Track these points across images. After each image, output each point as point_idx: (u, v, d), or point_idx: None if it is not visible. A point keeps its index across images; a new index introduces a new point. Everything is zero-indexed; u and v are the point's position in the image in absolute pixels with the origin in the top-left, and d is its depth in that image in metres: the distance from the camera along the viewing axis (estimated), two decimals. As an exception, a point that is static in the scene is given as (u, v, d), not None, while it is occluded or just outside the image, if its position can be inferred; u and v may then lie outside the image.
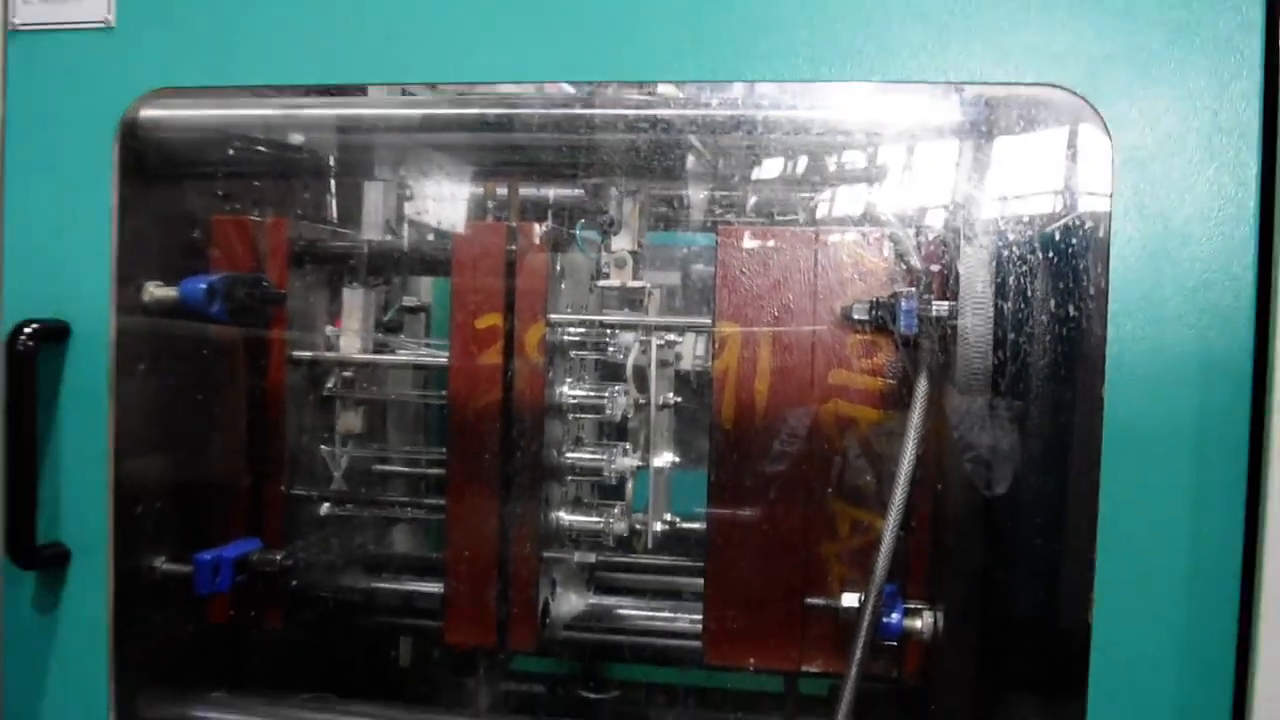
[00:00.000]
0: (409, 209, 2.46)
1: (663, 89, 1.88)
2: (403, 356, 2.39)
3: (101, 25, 1.65)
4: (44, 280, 1.68)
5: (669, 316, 2.28)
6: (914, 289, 1.80)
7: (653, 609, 2.36)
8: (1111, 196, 1.39)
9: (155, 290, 1.90)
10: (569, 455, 2.23)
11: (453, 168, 2.35)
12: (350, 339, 2.28)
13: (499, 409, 2.09)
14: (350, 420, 2.33)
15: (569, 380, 2.22)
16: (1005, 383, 1.71)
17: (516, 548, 2.11)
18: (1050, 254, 1.67)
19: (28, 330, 1.62)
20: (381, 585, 2.37)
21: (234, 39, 1.63)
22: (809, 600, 1.90)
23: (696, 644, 2.01)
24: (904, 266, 1.86)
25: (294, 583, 2.17)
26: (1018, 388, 1.71)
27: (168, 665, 1.99)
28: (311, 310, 2.26)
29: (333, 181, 2.37)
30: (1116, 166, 1.39)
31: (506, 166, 2.31)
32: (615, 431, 2.30)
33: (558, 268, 2.15)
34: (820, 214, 2.27)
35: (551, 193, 2.43)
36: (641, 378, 2.18)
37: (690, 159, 1.98)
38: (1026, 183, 1.77)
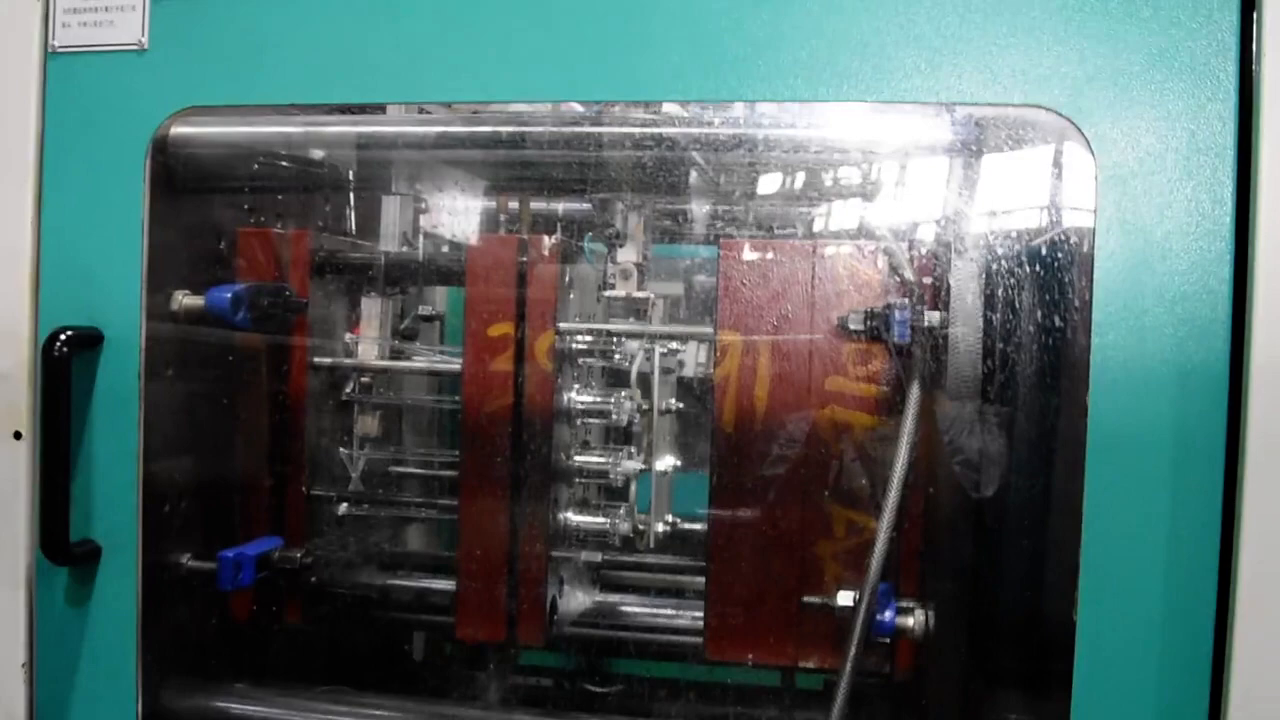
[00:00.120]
0: (425, 222, 2.41)
1: (668, 108, 1.88)
2: (418, 363, 2.38)
3: (135, 47, 1.69)
4: (78, 289, 1.71)
5: (672, 326, 2.27)
6: (907, 300, 1.81)
7: (655, 606, 2.35)
8: (1095, 212, 1.42)
9: (183, 299, 1.92)
10: (576, 458, 2.23)
11: (467, 182, 2.37)
12: (368, 346, 2.27)
13: (510, 413, 2.10)
14: (368, 423, 2.33)
15: (577, 386, 2.22)
16: (994, 390, 1.72)
17: (526, 546, 2.11)
18: (1037, 267, 1.69)
19: (62, 337, 1.66)
20: (396, 582, 2.38)
21: (259, 61, 1.67)
22: (806, 598, 1.91)
23: (697, 640, 2.03)
24: (897, 278, 1.86)
25: (313, 579, 2.19)
26: (1006, 395, 1.71)
27: (192, 657, 1.99)
28: (331, 318, 2.28)
29: (352, 195, 2.36)
30: (1099, 184, 1.42)
31: (518, 181, 2.33)
32: (621, 436, 2.30)
33: (566, 278, 2.15)
34: (818, 228, 2.27)
35: (561, 207, 2.43)
36: (645, 384, 2.18)
37: (693, 175, 1.99)
38: (1014, 199, 1.78)
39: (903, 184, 2.02)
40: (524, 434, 2.11)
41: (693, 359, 2.26)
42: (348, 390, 2.32)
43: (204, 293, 1.94)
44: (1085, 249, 1.48)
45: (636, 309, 2.20)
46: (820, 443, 1.92)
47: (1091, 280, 1.42)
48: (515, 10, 1.59)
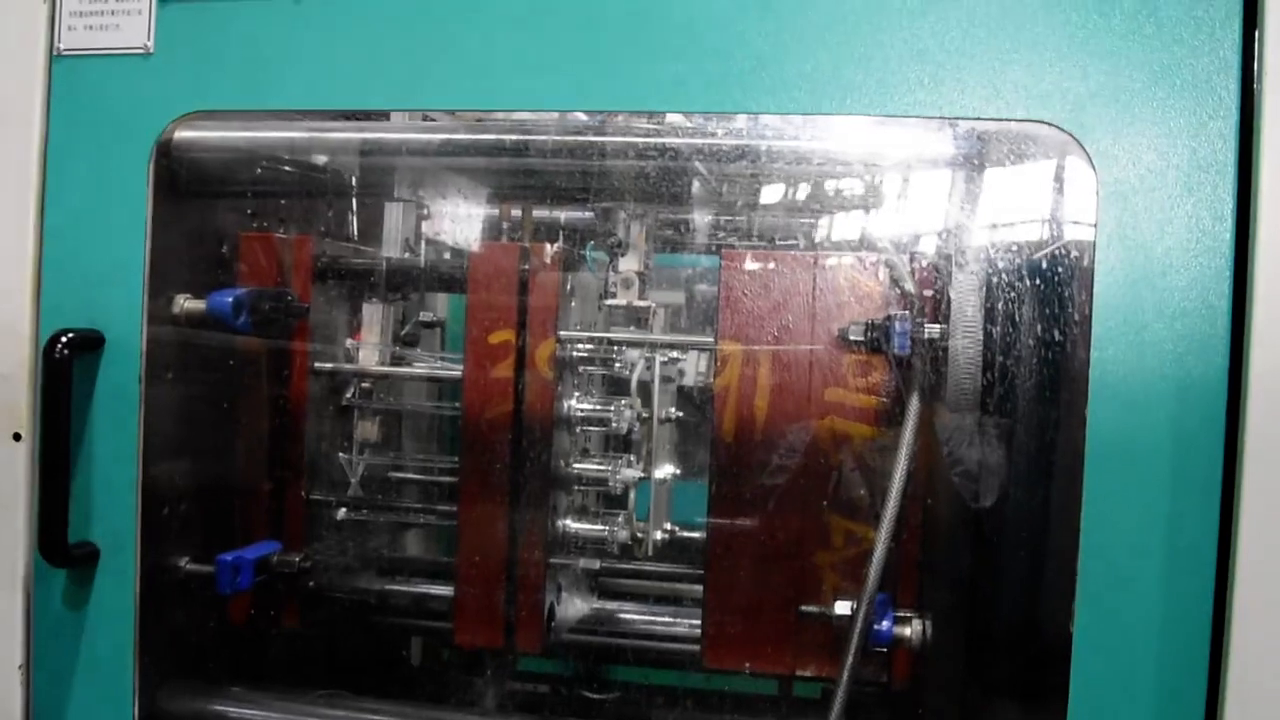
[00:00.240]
0: (427, 228, 2.45)
1: (671, 119, 1.88)
2: (419, 369, 2.39)
3: (140, 51, 1.69)
4: (80, 291, 1.71)
5: (673, 335, 2.28)
6: (907, 312, 1.81)
7: (653, 614, 2.36)
8: (1095, 227, 1.43)
9: (185, 302, 1.92)
10: (576, 466, 2.23)
11: (469, 190, 2.36)
12: (369, 351, 2.28)
13: (510, 420, 2.10)
14: (368, 429, 2.33)
15: (577, 394, 2.23)
16: (993, 402, 1.72)
17: (524, 553, 2.11)
18: (1037, 280, 1.69)
19: (63, 339, 1.66)
20: (394, 587, 2.38)
21: (264, 66, 1.68)
22: (804, 607, 1.91)
23: (695, 648, 2.03)
24: (898, 290, 1.87)
25: (311, 584, 2.19)
26: (1005, 407, 1.72)
27: (189, 660, 1.99)
28: (333, 323, 2.28)
29: (355, 201, 2.37)
30: (1100, 199, 1.43)
31: (521, 189, 2.32)
32: (620, 444, 2.30)
33: (568, 287, 2.16)
34: (819, 239, 2.27)
35: (563, 215, 2.43)
36: (646, 393, 2.19)
37: (696, 185, 1.99)
38: (1015, 212, 1.78)
39: (905, 196, 2.02)
40: (524, 441, 2.12)
41: (693, 368, 2.26)
42: (348, 395, 2.33)
43: (206, 296, 1.94)
44: (1086, 263, 1.48)
45: (637, 318, 2.20)
46: (819, 453, 1.93)
47: (1091, 295, 1.43)
48: (520, 20, 1.60)
